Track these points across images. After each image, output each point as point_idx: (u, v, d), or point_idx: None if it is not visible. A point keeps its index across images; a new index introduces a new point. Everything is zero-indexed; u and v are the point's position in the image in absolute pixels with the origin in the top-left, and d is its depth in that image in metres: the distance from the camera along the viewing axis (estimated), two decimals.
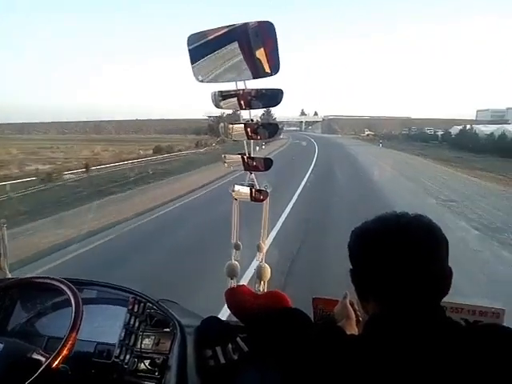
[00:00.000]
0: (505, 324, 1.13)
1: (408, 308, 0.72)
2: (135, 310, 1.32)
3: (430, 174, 17.60)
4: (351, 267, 0.81)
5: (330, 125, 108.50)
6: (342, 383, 0.69)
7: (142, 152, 32.12)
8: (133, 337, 1.28)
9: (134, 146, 37.78)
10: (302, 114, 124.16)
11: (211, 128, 60.57)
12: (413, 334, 0.70)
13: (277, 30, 1.15)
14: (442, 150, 34.65)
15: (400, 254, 0.72)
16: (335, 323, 1.32)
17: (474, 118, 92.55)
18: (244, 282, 1.48)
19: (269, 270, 1.42)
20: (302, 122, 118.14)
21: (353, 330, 1.03)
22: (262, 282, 1.42)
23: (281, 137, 58.13)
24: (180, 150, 33.54)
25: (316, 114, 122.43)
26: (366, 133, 79.82)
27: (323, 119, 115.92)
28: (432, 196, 11.69)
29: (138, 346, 1.26)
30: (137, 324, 1.30)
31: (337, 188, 12.72)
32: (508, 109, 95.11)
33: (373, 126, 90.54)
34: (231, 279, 1.45)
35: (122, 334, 1.29)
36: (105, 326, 1.35)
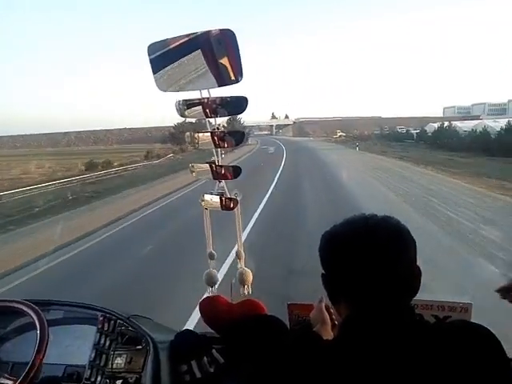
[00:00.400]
0: (472, 317, 1.17)
1: (378, 309, 0.73)
2: (105, 328, 1.27)
3: (452, 199, 10.82)
4: (322, 271, 0.81)
5: (302, 127, 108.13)
6: None
7: (84, 168, 29.94)
8: (103, 357, 1.23)
9: (80, 159, 34.17)
10: (273, 117, 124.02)
11: (173, 136, 58.33)
12: (383, 335, 0.71)
13: (244, 35, 1.14)
14: (424, 151, 32.12)
15: (368, 256, 0.73)
16: (311, 329, 1.32)
17: (442, 115, 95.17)
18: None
19: (250, 273, 1.43)
20: (272, 125, 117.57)
21: (328, 334, 1.03)
22: (246, 286, 1.43)
23: (249, 142, 56.07)
24: (134, 162, 31.77)
25: (287, 117, 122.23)
26: (338, 134, 77.76)
27: (294, 122, 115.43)
28: None
29: (110, 366, 1.21)
30: (107, 343, 1.25)
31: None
32: (473, 105, 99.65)
33: (344, 127, 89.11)
34: (211, 287, 1.45)
35: (92, 355, 1.24)
36: (73, 347, 1.29)
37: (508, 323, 2.50)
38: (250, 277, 1.43)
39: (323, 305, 1.11)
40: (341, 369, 0.69)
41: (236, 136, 1.30)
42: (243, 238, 1.48)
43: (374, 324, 0.72)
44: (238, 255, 1.45)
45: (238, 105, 1.23)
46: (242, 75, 1.19)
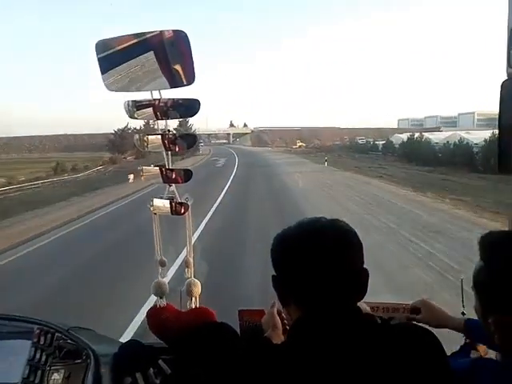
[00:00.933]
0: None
1: (325, 311, 0.74)
2: (41, 342, 1.18)
3: None
4: (274, 273, 0.81)
5: (260, 137, 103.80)
6: None
7: (3, 180, 25.79)
8: (39, 373, 1.14)
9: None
10: (231, 125, 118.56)
11: (113, 143, 54.50)
12: (332, 337, 0.71)
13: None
14: (398, 165, 28.44)
15: (315, 258, 0.74)
16: (261, 334, 1.31)
17: (396, 127, 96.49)
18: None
19: (199, 284, 1.38)
20: (229, 134, 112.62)
21: (279, 339, 1.03)
22: (194, 298, 1.37)
23: (200, 152, 51.90)
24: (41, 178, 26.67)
25: (245, 125, 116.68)
26: (298, 144, 76.31)
27: (252, 131, 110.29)
28: None
29: (45, 383, 1.12)
30: (43, 358, 1.16)
31: None
32: (426, 117, 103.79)
33: (303, 138, 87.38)
34: (160, 298, 1.37)
35: (26, 372, 1.14)
36: (5, 363, 1.18)
37: None
38: (198, 288, 1.37)
39: (275, 310, 1.11)
40: (291, 372, 0.69)
41: (188, 139, 1.28)
42: None
43: (322, 326, 0.73)
44: (186, 263, 1.39)
45: (189, 107, 1.21)
46: (194, 78, 1.18)
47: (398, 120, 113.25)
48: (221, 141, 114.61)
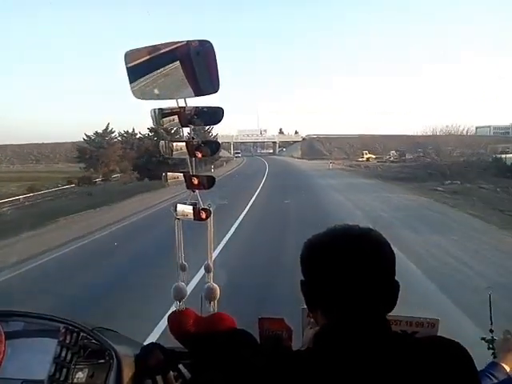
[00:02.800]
0: (439, 332, 1.19)
1: (354, 321, 0.72)
2: (67, 340, 1.22)
3: None
4: (302, 278, 0.80)
5: (313, 145, 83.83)
6: None
7: None
8: (64, 371, 1.17)
9: None
10: (281, 133, 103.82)
11: (83, 152, 39.98)
12: (358, 348, 0.70)
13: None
14: None
15: (348, 267, 0.73)
16: (281, 342, 1.31)
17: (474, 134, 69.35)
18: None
19: (218, 290, 1.39)
20: (275, 142, 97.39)
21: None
22: (213, 303, 1.38)
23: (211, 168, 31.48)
24: None
25: (296, 132, 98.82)
26: (366, 156, 56.45)
27: (304, 138, 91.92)
28: None
29: (70, 381, 1.15)
30: (69, 356, 1.19)
31: None
32: None
33: (366, 147, 66.86)
34: (179, 302, 1.40)
35: (52, 369, 1.18)
36: (33, 360, 1.23)
37: None
38: (217, 293, 1.39)
39: None
40: (314, 380, 0.68)
41: (211, 146, 1.30)
42: None
43: (349, 335, 0.72)
44: (206, 269, 1.40)
45: (213, 115, 1.24)
46: (218, 86, 1.21)
47: (477, 128, 79.73)
48: (267, 150, 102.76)
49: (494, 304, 1.26)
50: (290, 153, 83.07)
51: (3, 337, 1.10)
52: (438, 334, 1.13)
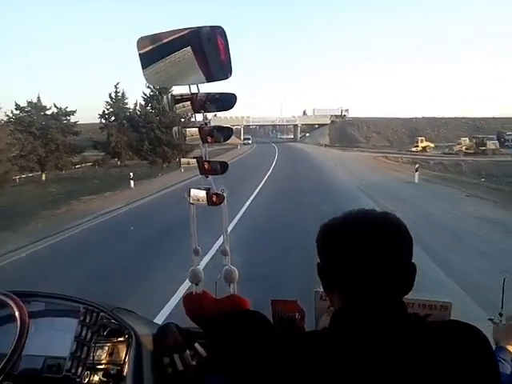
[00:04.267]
0: (452, 316, 1.20)
1: (371, 303, 0.73)
2: (87, 320, 1.27)
3: None
4: (318, 261, 0.82)
5: (345, 129, 66.15)
6: (304, 381, 0.69)
7: None
8: (85, 349, 1.22)
9: None
10: (304, 115, 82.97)
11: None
12: (375, 330, 0.71)
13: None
14: None
15: (366, 250, 0.73)
16: (294, 323, 1.34)
17: None
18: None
19: (236, 272, 1.42)
20: (296, 125, 78.67)
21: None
22: (232, 285, 1.42)
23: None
24: None
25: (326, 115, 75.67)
26: (421, 145, 41.04)
27: (332, 121, 72.68)
28: None
29: (91, 358, 1.21)
30: (89, 335, 1.25)
31: None
32: None
33: (416, 132, 52.33)
34: (196, 285, 1.44)
35: (73, 347, 1.23)
36: (54, 339, 1.28)
37: None
38: (236, 275, 1.42)
39: None
40: (329, 360, 0.69)
41: (223, 132, 1.32)
42: None
43: (365, 317, 0.72)
44: (223, 252, 1.44)
45: (226, 101, 1.25)
46: (231, 72, 1.21)
47: None
48: (287, 136, 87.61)
49: None
50: (315, 139, 64.83)
51: (27, 316, 1.15)
52: (452, 318, 1.14)
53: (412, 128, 59.98)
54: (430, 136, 50.79)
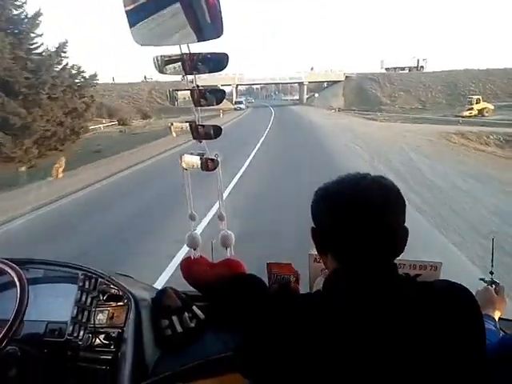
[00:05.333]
0: (441, 275, 1.23)
1: (365, 264, 0.75)
2: (86, 286, 1.29)
3: None
4: (312, 226, 0.82)
5: (363, 88, 51.83)
6: (300, 341, 0.71)
7: None
8: (85, 313, 1.25)
9: None
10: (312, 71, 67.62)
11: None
12: (369, 289, 0.73)
13: None
14: None
15: (359, 214, 0.74)
16: (289, 286, 1.37)
17: None
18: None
19: (233, 236, 1.44)
20: (302, 83, 62.67)
21: None
22: (229, 249, 1.44)
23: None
24: None
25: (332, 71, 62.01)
26: (477, 107, 30.64)
27: (347, 77, 57.20)
28: None
29: (92, 322, 1.24)
30: (89, 300, 1.27)
31: None
32: None
33: (457, 88, 43.03)
34: (194, 250, 1.46)
35: (74, 311, 1.26)
36: (55, 304, 1.31)
37: None
38: (232, 239, 1.44)
39: None
40: (323, 321, 0.70)
41: (217, 94, 1.27)
42: None
43: (359, 278, 0.74)
44: (219, 217, 1.44)
45: (218, 61, 1.20)
46: (222, 31, 1.15)
47: None
48: (292, 97, 76.57)
49: None
50: (326, 100, 50.85)
51: (26, 282, 1.16)
52: (441, 278, 1.17)
53: (450, 84, 46.01)
54: (473, 93, 38.30)
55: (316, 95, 58.39)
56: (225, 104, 42.67)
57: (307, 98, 64.07)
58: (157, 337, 1.24)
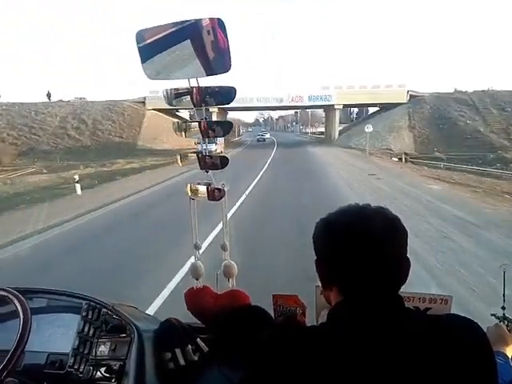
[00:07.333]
0: (452, 309, 1.20)
1: (368, 296, 0.74)
2: (89, 316, 1.27)
3: None
4: (316, 258, 0.82)
5: (446, 116, 31.03)
6: (304, 376, 0.69)
7: None
8: (87, 344, 1.23)
9: None
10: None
11: None
12: (373, 323, 0.71)
13: None
14: None
15: (363, 245, 0.74)
16: (295, 318, 1.34)
17: None
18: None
19: (236, 266, 1.43)
20: (331, 107, 38.85)
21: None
22: (231, 280, 1.42)
23: None
24: None
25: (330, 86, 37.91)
26: None
27: (412, 96, 35.74)
28: None
29: (94, 354, 1.21)
30: (91, 331, 1.25)
31: None
32: None
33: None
34: (196, 280, 1.44)
35: (76, 342, 1.23)
36: (57, 335, 1.29)
37: None
38: (234, 270, 1.43)
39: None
40: (328, 354, 0.69)
41: (224, 126, 1.31)
42: None
43: (363, 311, 0.73)
44: (223, 247, 1.44)
45: (226, 94, 1.24)
46: (230, 65, 1.19)
47: None
48: (316, 130, 55.31)
49: None
50: (377, 138, 29.88)
51: (29, 312, 1.15)
52: (452, 312, 1.14)
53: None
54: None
55: (368, 128, 26.06)
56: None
57: (340, 130, 40.83)
58: (159, 370, 1.21)
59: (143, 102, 39.81)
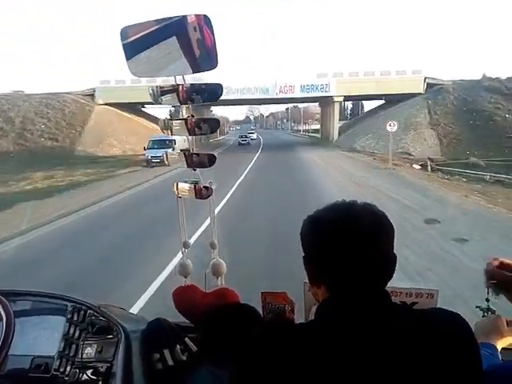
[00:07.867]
0: (438, 303, 1.22)
1: (354, 292, 0.74)
2: (75, 318, 1.25)
3: None
4: (304, 254, 0.82)
5: (479, 109, 23.00)
6: (292, 372, 0.69)
7: None
8: (73, 347, 1.21)
9: None
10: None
11: None
12: (360, 318, 0.72)
13: None
14: None
15: (351, 241, 0.74)
16: (284, 315, 1.34)
17: None
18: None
19: (224, 265, 1.42)
20: (330, 98, 31.08)
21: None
22: (220, 278, 1.42)
23: None
24: None
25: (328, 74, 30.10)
26: None
27: (428, 84, 28.08)
28: None
29: (80, 356, 1.19)
30: (77, 333, 1.23)
31: None
32: None
33: None
34: (184, 278, 1.43)
35: (62, 345, 1.21)
36: (42, 338, 1.26)
37: None
38: (223, 268, 1.42)
39: None
40: (315, 351, 0.69)
41: (211, 123, 1.30)
42: None
43: (351, 306, 0.73)
44: (211, 246, 1.43)
45: (212, 92, 1.23)
46: (217, 62, 1.18)
47: None
48: (310, 127, 48.93)
49: None
50: (396, 138, 19.40)
51: (12, 315, 1.12)
52: (438, 306, 1.16)
53: None
54: None
55: (392, 126, 17.03)
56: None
57: (341, 127, 33.24)
58: (147, 371, 1.20)
59: (92, 95, 31.68)
